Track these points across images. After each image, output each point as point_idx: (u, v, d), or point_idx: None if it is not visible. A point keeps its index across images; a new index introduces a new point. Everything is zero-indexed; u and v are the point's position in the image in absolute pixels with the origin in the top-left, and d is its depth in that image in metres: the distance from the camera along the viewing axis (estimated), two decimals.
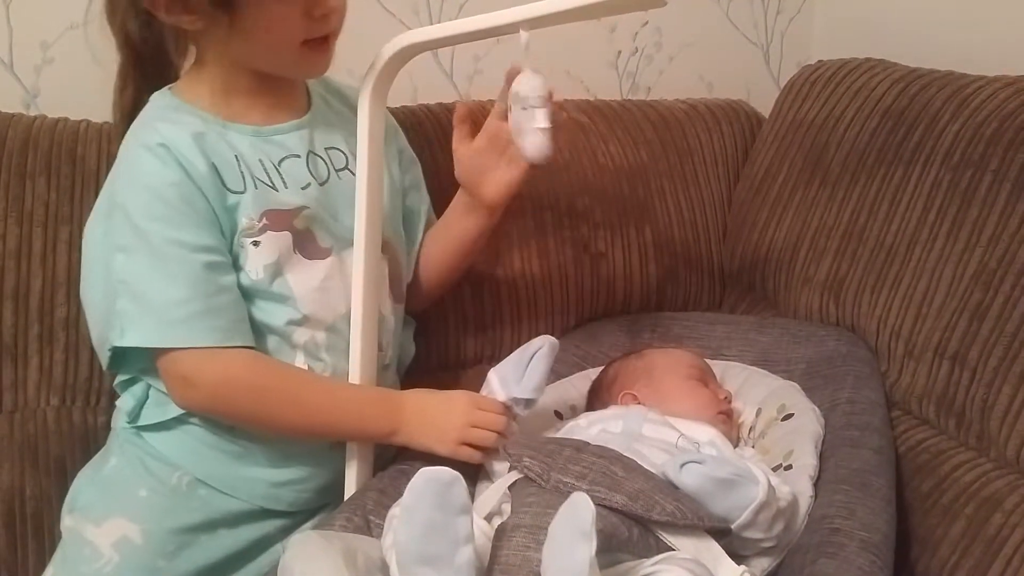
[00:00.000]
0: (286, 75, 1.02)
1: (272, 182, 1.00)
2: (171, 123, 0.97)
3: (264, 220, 0.98)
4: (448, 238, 1.16)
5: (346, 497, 1.01)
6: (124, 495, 1.00)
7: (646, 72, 1.63)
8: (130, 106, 1.02)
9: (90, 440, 1.12)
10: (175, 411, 1.00)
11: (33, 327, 1.12)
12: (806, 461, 0.99)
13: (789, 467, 1.00)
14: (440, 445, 0.98)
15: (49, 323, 1.12)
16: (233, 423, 1.00)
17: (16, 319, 1.11)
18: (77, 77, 1.22)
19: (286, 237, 0.99)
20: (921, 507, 1.04)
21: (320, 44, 0.98)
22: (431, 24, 1.44)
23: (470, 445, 0.98)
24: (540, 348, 1.01)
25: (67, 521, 1.01)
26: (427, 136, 1.28)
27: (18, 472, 1.08)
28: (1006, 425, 1.02)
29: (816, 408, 1.08)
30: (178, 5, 0.92)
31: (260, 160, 1.00)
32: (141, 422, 1.02)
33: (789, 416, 1.07)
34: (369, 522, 0.92)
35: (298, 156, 1.03)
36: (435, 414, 0.99)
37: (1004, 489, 0.99)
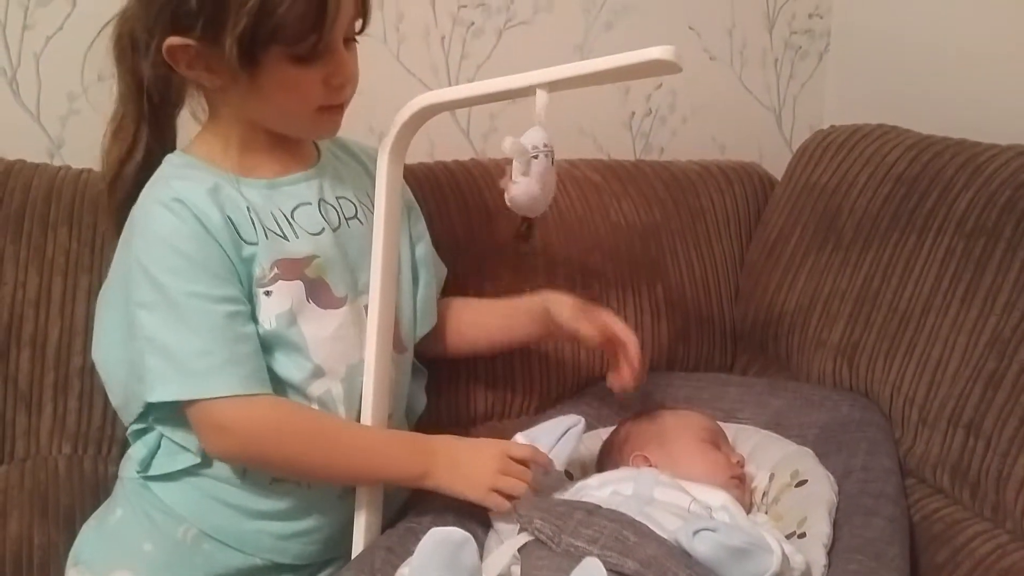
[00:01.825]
0: (298, 136, 1.04)
1: (283, 232, 1.01)
2: (185, 179, 0.98)
3: (275, 270, 0.99)
4: (505, 329, 1.20)
5: (354, 552, 1.00)
6: (129, 548, 1.00)
7: (659, 133, 1.64)
8: (125, 155, 1.02)
9: (100, 490, 1.11)
10: (185, 462, 1.00)
11: (49, 375, 1.12)
12: (820, 529, 0.97)
13: (803, 535, 0.98)
14: (471, 491, 0.98)
15: (65, 371, 1.13)
16: (263, 468, 1.00)
17: (32, 367, 1.12)
18: (102, 129, 1.23)
19: (298, 286, 0.99)
20: None
21: (334, 109, 1.00)
22: (449, 82, 1.47)
23: (500, 493, 0.97)
24: (575, 425, 1.04)
25: (71, 574, 1.01)
26: (443, 193, 1.29)
27: (27, 521, 1.08)
28: (1022, 497, 1.01)
29: (830, 475, 1.07)
30: (201, 62, 0.94)
31: (272, 212, 1.01)
32: (151, 472, 1.01)
33: (803, 482, 1.06)
34: None
35: (310, 203, 1.04)
36: (466, 459, 0.99)
37: (1021, 562, 0.97)
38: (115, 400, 1.04)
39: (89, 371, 1.13)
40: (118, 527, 1.02)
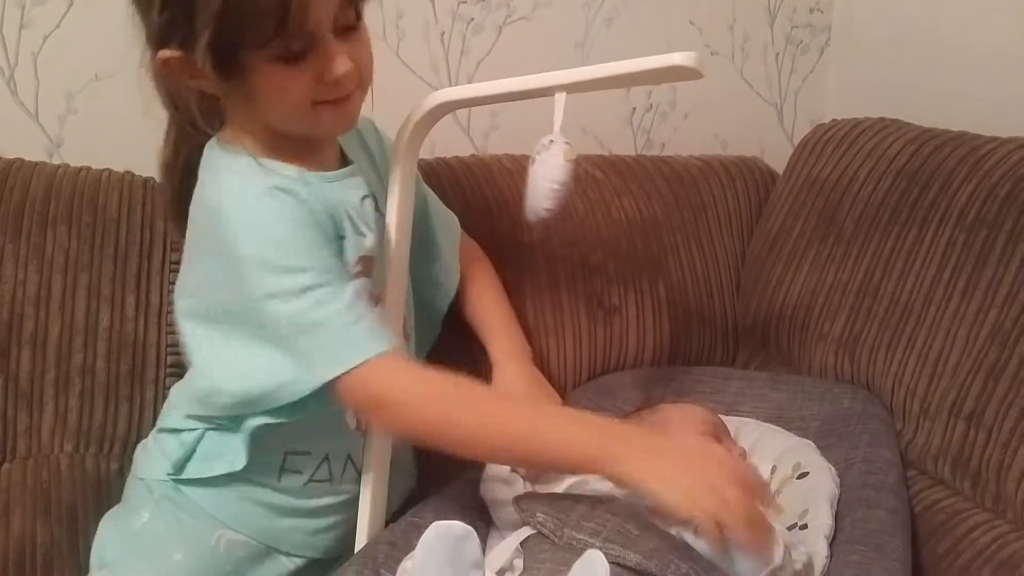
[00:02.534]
0: (307, 135, 0.99)
1: (359, 229, 0.99)
2: (265, 174, 0.95)
3: (359, 266, 0.97)
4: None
5: (357, 547, 1.00)
6: (158, 557, 0.99)
7: (661, 129, 1.64)
8: (177, 156, 1.02)
9: (103, 487, 1.11)
10: (222, 468, 0.98)
11: (50, 373, 1.12)
12: (822, 521, 0.98)
13: (804, 526, 0.98)
14: (674, 493, 0.82)
15: (66, 369, 1.13)
16: (425, 438, 0.94)
17: (33, 365, 1.12)
18: (100, 127, 1.24)
19: (366, 284, 0.98)
20: (937, 568, 1.03)
21: (337, 104, 0.94)
22: (449, 79, 1.46)
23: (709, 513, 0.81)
24: None
25: None
26: (443, 190, 1.29)
27: (30, 520, 1.07)
28: (1023, 487, 1.01)
29: (832, 467, 1.07)
30: (191, 71, 0.91)
31: (347, 206, 0.98)
32: (185, 475, 1.00)
33: (804, 474, 1.06)
34: (380, 575, 0.91)
35: (369, 197, 1.02)
36: (676, 456, 0.86)
37: (1022, 552, 0.97)
38: (231, 402, 0.97)
39: (90, 369, 1.13)
40: (145, 532, 1.00)
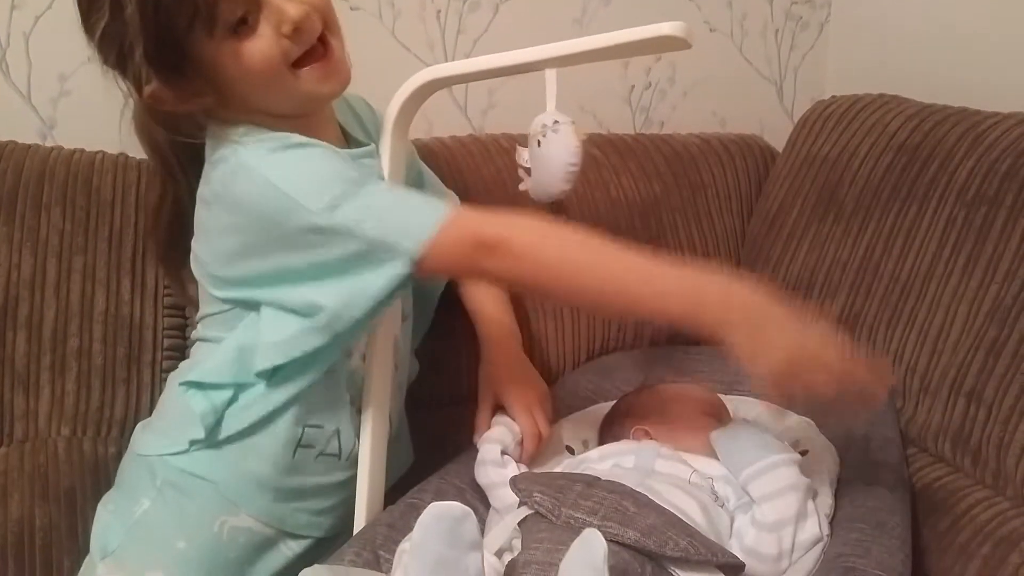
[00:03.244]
0: (303, 106, 0.98)
1: None
2: (279, 136, 0.95)
3: None
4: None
5: (356, 529, 1.00)
6: (161, 546, 0.98)
7: (659, 107, 1.63)
8: (158, 202, 1.03)
9: (100, 471, 1.11)
10: (259, 411, 0.98)
11: (46, 356, 1.12)
12: (822, 499, 0.97)
13: None
14: (768, 358, 0.83)
15: (62, 353, 1.13)
16: (537, 281, 0.92)
17: (29, 348, 1.12)
18: (93, 109, 1.22)
19: None
20: (937, 546, 1.02)
21: (317, 57, 0.93)
22: (446, 58, 1.45)
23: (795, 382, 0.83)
24: None
25: (100, 570, 0.99)
26: (440, 170, 1.28)
27: (28, 503, 1.07)
28: (1023, 464, 1.01)
29: (832, 445, 1.07)
30: (175, 94, 0.91)
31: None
32: (219, 435, 0.98)
33: (804, 453, 1.06)
34: (379, 557, 0.91)
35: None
36: (776, 315, 0.85)
37: (1022, 528, 0.97)
38: (225, 357, 0.98)
39: (86, 352, 1.13)
40: (148, 521, 0.99)
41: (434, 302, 1.20)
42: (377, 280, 0.90)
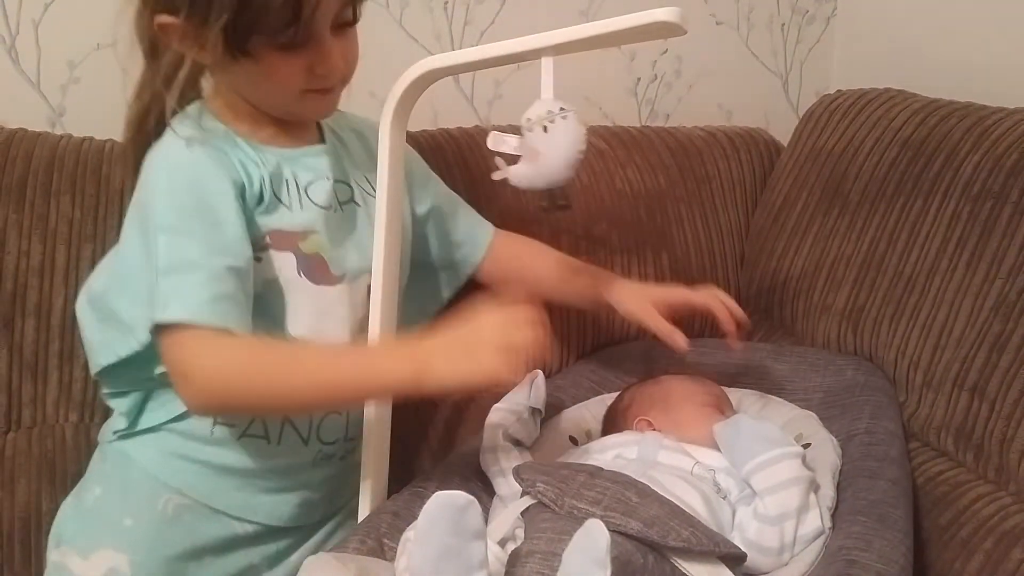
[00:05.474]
0: (287, 117, 1.03)
1: (289, 203, 1.00)
2: (207, 130, 0.98)
3: (268, 239, 0.98)
4: (560, 284, 1.22)
5: (360, 516, 1.01)
6: (109, 525, 0.99)
7: (665, 99, 1.63)
8: (149, 113, 1.02)
9: None
10: (165, 415, 1.00)
11: (54, 344, 1.13)
12: (824, 492, 0.98)
13: None
14: (476, 363, 0.85)
15: (70, 340, 1.13)
16: (240, 410, 0.97)
17: (38, 335, 1.12)
18: (103, 96, 1.22)
19: (289, 258, 0.99)
20: (939, 540, 1.03)
21: (323, 92, 0.99)
22: (452, 48, 1.45)
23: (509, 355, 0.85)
24: (535, 377, 1.11)
25: (53, 556, 1.01)
26: (447, 161, 1.29)
27: (35, 488, 1.08)
28: None
29: (834, 438, 1.07)
30: (189, 40, 0.93)
31: (286, 179, 1.00)
32: (139, 426, 1.01)
33: (806, 446, 1.06)
34: (383, 545, 0.91)
35: (327, 179, 1.03)
36: (463, 337, 0.87)
37: None
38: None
39: None
40: (97, 505, 1.01)
41: (463, 274, 1.21)
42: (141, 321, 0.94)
